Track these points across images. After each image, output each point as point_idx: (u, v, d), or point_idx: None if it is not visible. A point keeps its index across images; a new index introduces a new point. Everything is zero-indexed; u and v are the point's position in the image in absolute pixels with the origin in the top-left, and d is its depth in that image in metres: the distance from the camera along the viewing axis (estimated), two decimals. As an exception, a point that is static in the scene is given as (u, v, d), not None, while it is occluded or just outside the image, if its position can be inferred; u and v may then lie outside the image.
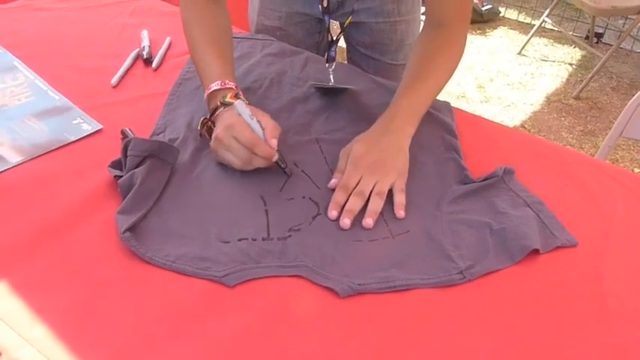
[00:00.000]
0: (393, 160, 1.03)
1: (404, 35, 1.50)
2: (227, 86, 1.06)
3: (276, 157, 1.00)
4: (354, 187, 0.98)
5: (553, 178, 1.08)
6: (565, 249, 0.93)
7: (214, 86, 1.06)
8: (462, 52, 1.18)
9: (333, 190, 1.00)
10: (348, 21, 1.31)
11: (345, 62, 1.58)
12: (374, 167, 1.00)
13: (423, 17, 1.25)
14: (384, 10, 1.41)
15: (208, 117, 1.07)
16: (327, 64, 1.26)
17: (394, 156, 1.03)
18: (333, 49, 1.27)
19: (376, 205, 0.96)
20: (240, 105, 1.01)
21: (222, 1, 1.21)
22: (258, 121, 1.01)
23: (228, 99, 1.03)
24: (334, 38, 1.29)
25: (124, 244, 0.86)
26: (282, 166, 1.02)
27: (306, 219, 0.94)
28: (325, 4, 1.25)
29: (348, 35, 1.55)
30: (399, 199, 0.98)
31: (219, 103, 1.04)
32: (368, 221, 0.94)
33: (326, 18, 1.27)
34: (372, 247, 0.91)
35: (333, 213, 0.95)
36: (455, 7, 1.16)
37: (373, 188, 0.98)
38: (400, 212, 0.97)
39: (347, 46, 1.59)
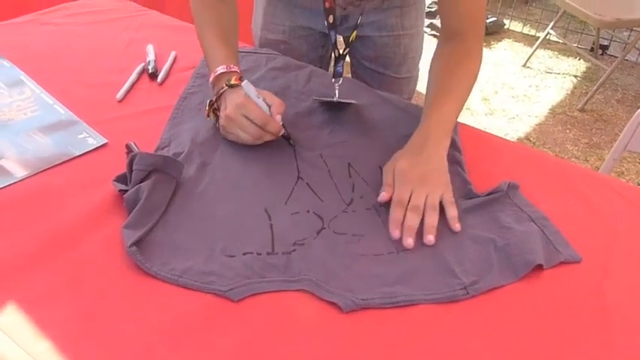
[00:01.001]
0: (438, 173, 1.05)
1: (407, 49, 1.51)
2: (232, 70, 1.14)
3: (282, 132, 1.10)
4: (408, 202, 0.99)
5: (557, 193, 1.08)
6: (569, 264, 0.93)
7: (220, 69, 1.14)
8: (481, 62, 1.21)
9: (382, 204, 1.01)
10: (353, 35, 1.31)
11: (349, 76, 1.58)
12: (422, 180, 1.02)
13: (426, 30, 1.26)
14: (388, 24, 1.42)
15: (214, 99, 1.13)
16: (333, 80, 1.27)
17: (438, 169, 1.05)
18: (340, 64, 1.28)
19: (433, 219, 0.98)
20: (247, 85, 1.08)
21: None
22: (264, 99, 1.09)
23: (233, 81, 1.11)
24: (341, 53, 1.29)
25: (128, 259, 0.86)
26: (288, 138, 1.12)
27: (310, 233, 0.94)
28: (331, 20, 1.26)
29: (352, 49, 1.53)
30: (452, 212, 0.99)
31: (224, 86, 1.11)
32: (430, 238, 0.95)
33: (332, 33, 1.28)
34: (377, 261, 0.91)
35: (396, 233, 0.96)
36: (470, 19, 1.18)
37: (426, 202, 0.99)
38: (457, 226, 0.98)
39: (350, 59, 1.60)
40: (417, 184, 1.01)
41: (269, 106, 1.09)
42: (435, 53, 1.23)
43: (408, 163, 1.05)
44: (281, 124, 1.09)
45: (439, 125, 1.11)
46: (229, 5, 1.27)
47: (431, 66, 1.22)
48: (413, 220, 0.97)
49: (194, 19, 1.26)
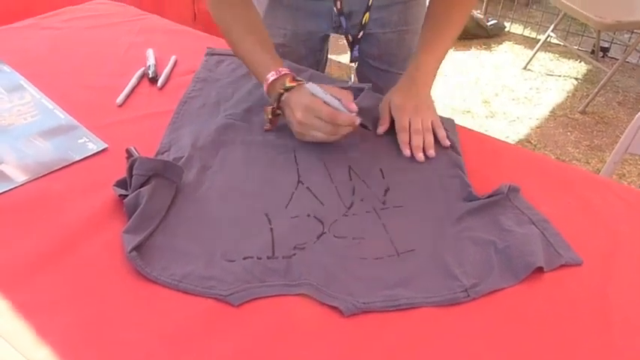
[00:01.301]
0: (426, 105, 1.22)
1: (411, 44, 1.53)
2: (282, 73, 1.15)
3: (359, 121, 1.10)
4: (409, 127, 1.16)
5: (558, 196, 1.07)
6: (570, 267, 0.92)
7: (271, 77, 1.15)
8: (472, 6, 1.34)
9: (381, 134, 1.19)
10: (366, 17, 1.35)
11: (353, 77, 1.60)
12: (416, 110, 1.19)
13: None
14: (392, 21, 1.43)
15: (275, 105, 1.15)
16: (351, 64, 1.34)
17: (426, 101, 1.23)
18: (355, 48, 1.35)
19: (430, 138, 1.17)
20: (312, 86, 1.10)
21: None
22: (332, 95, 1.09)
23: (288, 84, 1.12)
24: (355, 38, 1.35)
25: (129, 264, 0.86)
26: (366, 125, 1.15)
27: (310, 238, 0.94)
28: (339, 6, 1.31)
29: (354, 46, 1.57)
30: (441, 133, 1.18)
31: (281, 91, 1.13)
32: (431, 152, 1.14)
33: (342, 19, 1.32)
34: (377, 265, 0.91)
35: (407, 151, 1.15)
36: None
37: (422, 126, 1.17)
38: (446, 142, 1.17)
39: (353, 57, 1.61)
40: (413, 114, 1.18)
41: (339, 100, 1.09)
42: (429, 2, 1.34)
43: (402, 98, 1.21)
44: (356, 111, 1.10)
45: (427, 65, 1.25)
46: (252, 3, 1.28)
47: (428, 7, 1.33)
48: (418, 140, 1.15)
49: (218, 21, 1.26)
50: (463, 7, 1.30)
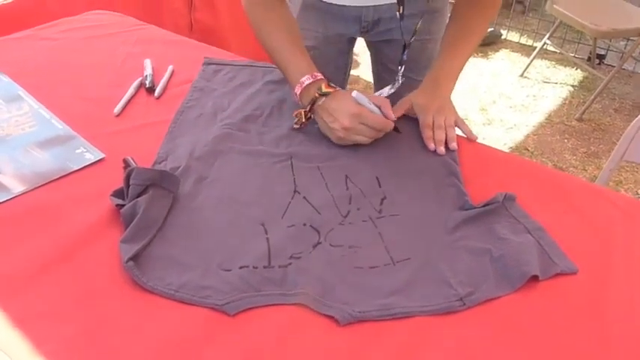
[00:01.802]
0: (448, 106, 1.27)
1: (433, 52, 1.58)
2: (318, 78, 1.19)
3: (392, 126, 1.18)
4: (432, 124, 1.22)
5: (553, 204, 1.08)
6: (565, 276, 0.93)
7: (306, 81, 1.19)
8: (496, 11, 1.38)
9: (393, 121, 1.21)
10: (417, 25, 1.38)
11: (370, 79, 1.70)
12: (440, 109, 1.24)
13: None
14: (416, 29, 1.44)
15: (308, 109, 1.19)
16: (399, 67, 1.37)
17: (448, 103, 1.28)
18: (405, 53, 1.38)
19: (453, 133, 1.23)
20: (358, 95, 1.15)
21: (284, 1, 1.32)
22: (374, 103, 1.17)
23: (325, 89, 1.17)
24: (407, 43, 1.38)
25: (125, 273, 0.86)
26: (399, 130, 1.21)
27: (306, 247, 0.94)
28: (401, 11, 1.33)
29: (378, 52, 1.64)
30: (465, 128, 1.26)
31: (317, 95, 1.17)
32: (454, 144, 1.20)
33: (398, 15, 1.34)
34: (373, 274, 0.91)
35: (432, 145, 1.20)
36: None
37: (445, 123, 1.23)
38: (473, 136, 1.25)
39: (375, 63, 1.68)
40: (436, 112, 1.24)
41: (379, 108, 1.17)
42: (453, 7, 1.37)
43: (425, 98, 1.27)
44: (394, 119, 1.18)
45: (450, 69, 1.31)
46: (286, 4, 1.31)
47: (452, 11, 1.37)
48: (441, 135, 1.21)
49: (253, 24, 1.30)
50: (486, 16, 1.34)
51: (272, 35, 1.27)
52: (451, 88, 1.31)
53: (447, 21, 1.54)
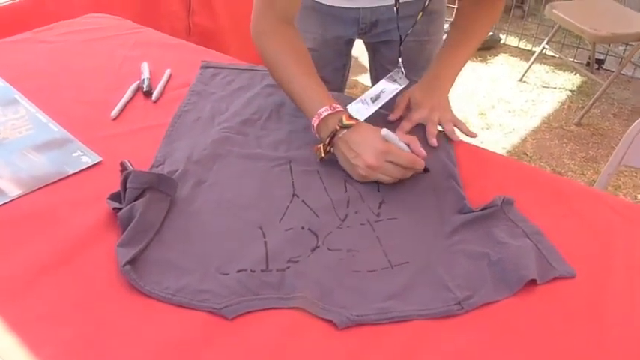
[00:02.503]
0: (445, 104, 1.29)
1: (431, 54, 1.59)
2: (337, 110, 1.12)
3: (423, 164, 1.11)
4: (417, 123, 1.24)
5: (552, 209, 1.08)
6: (563, 280, 0.92)
7: (325, 112, 1.11)
8: (499, 15, 1.39)
9: (392, 122, 1.27)
10: (419, 16, 1.36)
11: (368, 81, 1.68)
12: (435, 107, 1.26)
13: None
14: (414, 30, 1.45)
15: (327, 142, 1.11)
16: (399, 59, 1.38)
17: (445, 101, 1.30)
18: (401, 46, 1.39)
19: (450, 127, 1.25)
20: (387, 132, 1.09)
21: (292, 21, 1.26)
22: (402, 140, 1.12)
23: (346, 122, 1.09)
24: (401, 38, 1.39)
25: (123, 277, 0.86)
26: (428, 170, 1.12)
27: (304, 251, 0.94)
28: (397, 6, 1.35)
29: (376, 53, 1.66)
30: (460, 126, 1.26)
31: (338, 127, 1.09)
32: (456, 136, 1.24)
33: (395, 10, 1.35)
34: (371, 277, 0.91)
35: (433, 140, 1.21)
36: None
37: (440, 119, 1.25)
38: (472, 134, 1.27)
39: (373, 64, 1.69)
40: (431, 110, 1.25)
41: (407, 145, 1.11)
42: (457, 8, 1.40)
43: (422, 95, 1.28)
44: (424, 157, 1.11)
45: (450, 69, 1.33)
46: (295, 29, 1.26)
47: (456, 13, 1.39)
48: (433, 129, 1.23)
49: (263, 51, 1.24)
50: (489, 18, 1.37)
51: (284, 65, 1.21)
52: (449, 86, 1.32)
53: (445, 23, 1.56)
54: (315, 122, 1.13)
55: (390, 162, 1.07)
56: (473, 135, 1.26)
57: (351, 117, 1.11)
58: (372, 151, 1.06)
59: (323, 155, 1.13)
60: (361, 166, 1.07)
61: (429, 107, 1.25)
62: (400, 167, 1.07)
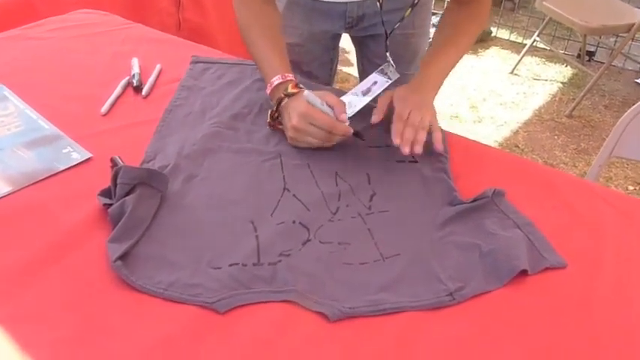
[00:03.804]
0: (428, 107, 1.20)
1: (417, 47, 1.60)
2: (287, 79, 1.18)
3: (352, 131, 1.14)
4: (406, 119, 1.16)
5: (543, 200, 1.08)
6: (554, 270, 0.93)
7: (276, 81, 1.18)
8: (485, 23, 1.35)
9: (374, 125, 1.19)
10: (408, 12, 1.38)
11: (356, 74, 1.68)
12: (419, 105, 1.18)
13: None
14: (401, 23, 1.45)
15: (275, 109, 1.19)
16: (387, 53, 1.39)
17: (428, 104, 1.21)
18: (387, 40, 1.40)
19: (422, 136, 1.14)
20: (309, 95, 1.12)
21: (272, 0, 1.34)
22: (326, 103, 1.13)
23: (290, 90, 1.16)
24: (388, 33, 1.40)
25: (114, 273, 0.86)
26: (359, 135, 1.16)
27: (296, 244, 0.94)
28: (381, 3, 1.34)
29: (363, 47, 1.65)
30: (438, 135, 1.16)
31: (282, 95, 1.16)
32: (418, 148, 1.12)
33: (379, 5, 1.35)
34: (363, 270, 0.91)
35: (398, 140, 1.13)
36: None
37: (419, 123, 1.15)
38: (440, 145, 1.15)
39: (360, 58, 1.69)
40: (414, 108, 1.17)
41: (332, 109, 1.13)
42: (444, 11, 1.38)
43: (407, 91, 1.22)
44: (347, 122, 1.14)
45: (434, 76, 1.27)
46: (274, 6, 1.32)
47: (440, 19, 1.37)
48: (410, 134, 1.13)
49: (239, 24, 1.31)
50: (477, 19, 1.33)
51: (252, 33, 1.28)
52: (436, 88, 1.27)
53: (432, 15, 1.56)
54: (268, 90, 1.20)
55: (312, 124, 1.12)
56: (439, 148, 1.15)
57: (297, 85, 1.17)
58: (296, 113, 1.12)
59: (269, 120, 1.21)
60: (289, 128, 1.14)
61: (412, 105, 1.19)
62: (323, 130, 1.12)
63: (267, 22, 1.30)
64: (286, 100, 1.16)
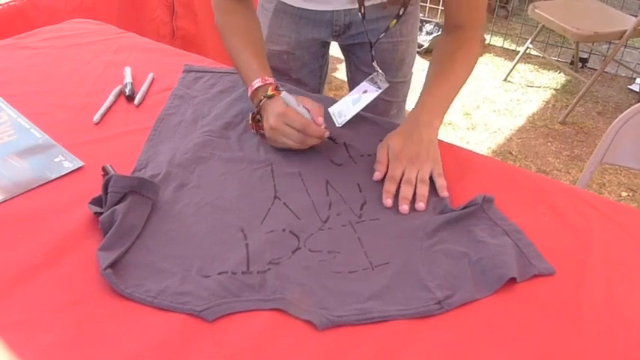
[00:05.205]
0: (427, 151, 1.15)
1: (404, 55, 1.59)
2: (267, 82, 1.20)
3: (327, 134, 1.15)
4: (401, 178, 1.11)
5: (532, 207, 1.08)
6: (543, 277, 0.93)
7: (256, 84, 1.20)
8: (480, 50, 1.32)
9: (377, 181, 1.12)
10: (393, 23, 1.35)
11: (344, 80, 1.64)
12: (413, 159, 1.13)
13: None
14: (388, 31, 1.45)
15: (256, 111, 1.20)
16: (373, 63, 1.38)
17: (427, 147, 1.16)
18: (372, 50, 1.39)
19: (423, 190, 1.09)
20: (287, 96, 1.13)
21: (250, 3, 1.35)
22: (303, 106, 1.14)
23: (270, 92, 1.17)
24: (372, 42, 1.38)
25: (104, 281, 0.86)
26: (333, 138, 1.18)
27: (285, 252, 0.95)
28: (362, 10, 1.32)
29: (350, 55, 1.65)
30: (440, 182, 1.11)
31: (262, 97, 1.18)
32: (420, 205, 1.06)
33: (365, 23, 1.34)
34: (351, 278, 0.91)
35: (388, 201, 1.07)
36: (470, 11, 1.29)
37: (417, 176, 1.11)
38: (444, 192, 1.09)
39: (348, 65, 1.69)
40: (408, 164, 1.12)
41: (309, 112, 1.14)
42: (437, 41, 1.35)
43: (400, 144, 1.15)
44: (323, 126, 1.14)
45: (432, 109, 1.22)
46: (251, 9, 1.34)
47: (433, 53, 1.34)
48: (407, 192, 1.08)
49: (219, 29, 1.33)
50: (467, 51, 1.29)
51: (232, 38, 1.30)
52: (435, 129, 1.20)
53: (418, 23, 1.56)
54: (249, 94, 1.22)
55: (287, 124, 1.13)
56: (444, 194, 1.09)
57: (276, 88, 1.18)
58: (273, 113, 1.14)
59: (250, 122, 1.23)
60: (266, 128, 1.16)
61: (407, 159, 1.13)
62: (297, 131, 1.13)
63: (246, 26, 1.32)
64: (265, 101, 1.17)
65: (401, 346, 0.81)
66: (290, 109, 1.13)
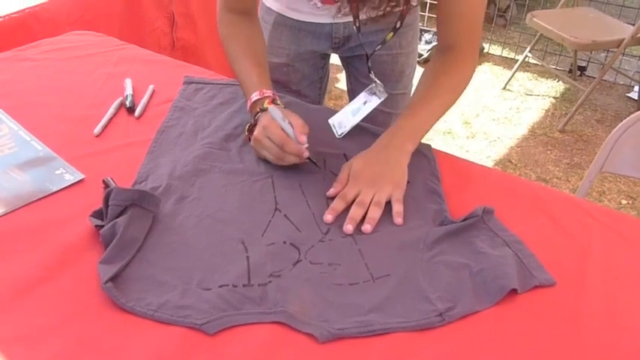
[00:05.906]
0: (390, 174, 1.12)
1: (404, 67, 1.60)
2: (265, 95, 1.20)
3: (307, 154, 1.12)
4: (353, 199, 1.08)
5: (531, 217, 1.09)
6: (543, 288, 0.93)
7: (254, 97, 1.21)
8: (471, 74, 1.28)
9: (331, 198, 1.09)
10: (389, 36, 1.34)
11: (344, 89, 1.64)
12: (372, 180, 1.10)
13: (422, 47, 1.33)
14: (387, 43, 1.46)
15: (252, 123, 1.20)
16: (371, 74, 1.37)
17: (392, 169, 1.13)
18: (369, 62, 1.37)
19: (375, 213, 1.05)
20: (273, 110, 1.14)
21: (254, 14, 1.36)
22: (289, 122, 1.11)
23: (265, 105, 1.17)
24: (369, 54, 1.37)
25: (105, 295, 0.86)
26: (314, 161, 1.15)
27: (286, 265, 0.95)
28: (357, 24, 1.31)
29: (350, 66, 1.66)
30: (397, 208, 1.07)
31: (258, 110, 1.18)
32: (366, 227, 1.03)
33: (360, 36, 1.34)
34: (353, 290, 0.91)
35: (328, 217, 1.05)
36: (463, 31, 1.25)
37: (372, 199, 1.07)
38: (398, 220, 1.05)
39: (348, 77, 1.70)
40: (366, 186, 1.09)
41: (292, 129, 1.12)
42: (429, 62, 1.32)
43: (363, 163, 1.14)
44: (305, 144, 1.11)
45: (406, 132, 1.19)
46: (256, 21, 1.35)
47: (423, 72, 1.30)
48: (356, 213, 1.05)
49: (222, 39, 1.34)
50: (454, 74, 1.26)
51: (234, 50, 1.31)
52: (407, 150, 1.16)
53: (418, 35, 1.56)
54: (248, 107, 1.22)
55: (268, 137, 1.12)
56: (398, 221, 1.05)
57: (273, 101, 1.18)
58: (259, 125, 1.15)
59: (247, 134, 1.22)
60: (252, 139, 1.17)
61: (365, 181, 1.10)
62: (276, 146, 1.12)
63: (249, 37, 1.33)
64: (259, 114, 1.18)
65: (402, 358, 0.81)
66: (274, 123, 1.12)
